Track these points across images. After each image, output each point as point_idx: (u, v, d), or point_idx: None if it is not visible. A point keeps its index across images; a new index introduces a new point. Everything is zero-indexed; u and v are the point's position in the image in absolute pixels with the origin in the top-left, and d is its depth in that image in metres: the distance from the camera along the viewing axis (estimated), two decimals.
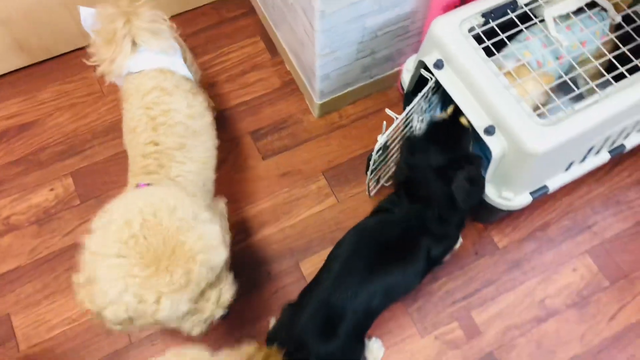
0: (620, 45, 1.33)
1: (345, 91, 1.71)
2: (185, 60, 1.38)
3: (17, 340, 1.45)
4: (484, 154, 1.56)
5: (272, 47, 1.89)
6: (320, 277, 1.27)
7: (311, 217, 1.64)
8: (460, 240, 1.56)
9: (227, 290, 1.09)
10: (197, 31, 1.92)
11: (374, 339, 1.48)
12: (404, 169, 1.33)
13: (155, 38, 1.27)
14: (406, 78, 1.52)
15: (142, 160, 1.18)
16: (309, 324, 1.20)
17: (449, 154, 1.29)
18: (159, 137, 1.20)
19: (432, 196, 1.28)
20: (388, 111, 1.28)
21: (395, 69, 1.73)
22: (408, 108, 1.34)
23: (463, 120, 1.35)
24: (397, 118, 1.30)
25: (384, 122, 1.30)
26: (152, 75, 1.26)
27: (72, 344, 1.46)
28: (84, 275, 0.96)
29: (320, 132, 1.76)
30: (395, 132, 1.40)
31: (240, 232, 1.61)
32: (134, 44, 1.26)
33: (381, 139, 1.31)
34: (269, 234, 1.61)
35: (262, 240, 1.61)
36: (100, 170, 1.68)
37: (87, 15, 1.30)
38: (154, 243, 0.94)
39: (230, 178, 1.69)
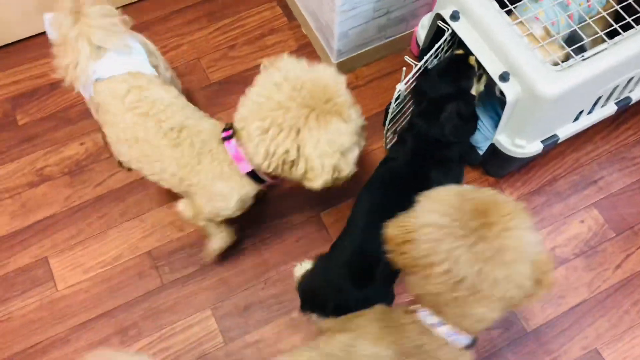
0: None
1: (361, 51, 1.79)
2: (157, 67, 1.39)
3: (55, 281, 1.54)
4: (496, 111, 1.64)
5: (288, 12, 1.96)
6: (348, 230, 1.33)
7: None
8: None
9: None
10: None
11: None
12: (419, 92, 1.43)
13: (109, 35, 1.25)
14: (422, 35, 1.60)
15: (179, 150, 1.22)
16: (344, 270, 1.26)
17: (449, 88, 1.38)
18: (168, 122, 1.23)
19: (431, 123, 1.37)
20: (407, 58, 1.35)
21: (409, 31, 1.81)
22: (426, 56, 1.42)
23: (471, 60, 1.43)
24: (415, 65, 1.37)
25: (404, 69, 1.38)
26: (124, 78, 1.25)
27: (107, 285, 1.54)
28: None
29: None
30: (411, 83, 1.47)
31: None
32: (93, 47, 1.24)
33: (400, 87, 1.38)
34: (290, 187, 1.69)
35: (284, 193, 1.68)
36: None
37: (47, 22, 1.29)
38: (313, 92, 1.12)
39: None
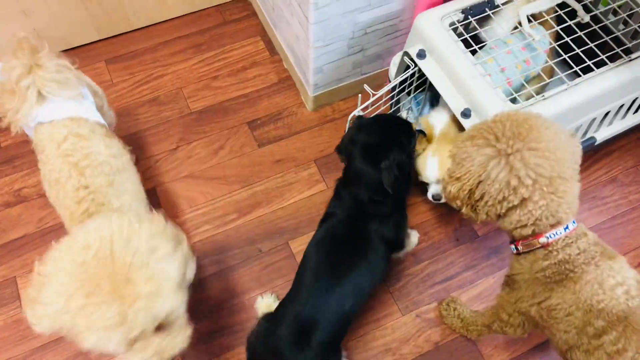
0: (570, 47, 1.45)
1: (338, 86, 1.84)
2: (101, 107, 1.41)
3: (20, 301, 1.54)
4: None
5: (271, 46, 2.03)
6: (293, 290, 1.32)
7: (302, 200, 1.75)
8: (417, 235, 1.67)
9: (174, 342, 1.02)
10: (202, 30, 2.06)
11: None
12: (346, 142, 1.39)
13: (61, 88, 1.26)
14: (393, 71, 1.64)
15: (79, 207, 1.16)
16: (284, 333, 1.24)
17: (387, 139, 1.35)
18: (87, 179, 1.18)
19: (362, 176, 1.33)
20: (366, 87, 1.39)
21: (385, 68, 1.86)
22: (383, 89, 1.46)
23: (414, 126, 1.44)
24: (373, 95, 1.41)
25: (359, 96, 1.42)
26: (65, 123, 1.25)
27: None
28: (34, 290, 0.96)
29: (314, 124, 1.88)
30: (375, 111, 1.51)
31: (234, 212, 1.71)
32: (40, 94, 1.25)
33: (355, 113, 1.42)
34: (261, 214, 1.71)
35: (254, 220, 1.70)
36: None
37: None
38: (102, 274, 0.92)
39: (227, 163, 1.80)
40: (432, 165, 1.50)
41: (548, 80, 1.45)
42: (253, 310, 1.55)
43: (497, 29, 1.54)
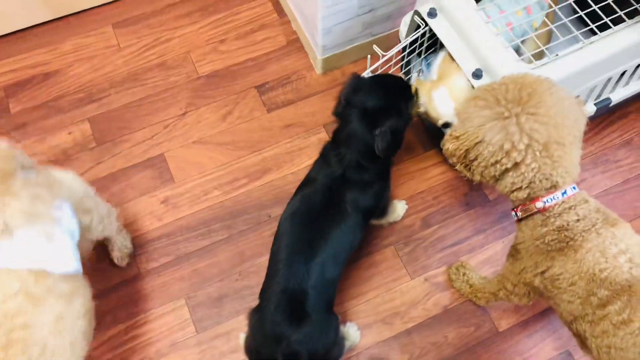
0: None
1: (347, 48, 1.80)
2: (89, 211, 1.27)
3: None
4: None
5: (279, 8, 1.98)
6: (271, 271, 1.31)
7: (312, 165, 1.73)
8: (405, 207, 1.64)
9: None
10: None
11: (349, 324, 1.51)
12: (341, 103, 1.34)
13: (30, 223, 1.06)
14: (403, 32, 1.60)
15: None
16: (277, 317, 1.22)
17: (385, 103, 1.30)
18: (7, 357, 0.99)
19: (354, 138, 1.30)
20: (375, 47, 1.36)
21: (396, 29, 1.81)
22: (393, 49, 1.42)
23: (414, 88, 1.39)
24: (382, 56, 1.38)
25: (368, 56, 1.38)
26: (18, 276, 1.04)
27: (84, 270, 1.57)
28: None
29: (323, 88, 1.85)
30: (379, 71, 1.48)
31: (244, 177, 1.71)
32: (5, 227, 1.04)
33: (365, 74, 1.39)
34: (271, 180, 1.71)
35: (264, 186, 1.70)
36: (115, 117, 1.79)
37: None
38: None
39: (236, 128, 1.79)
40: (440, 99, 1.45)
41: (550, 26, 1.38)
42: (261, 276, 1.56)
43: None
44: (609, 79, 1.45)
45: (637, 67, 1.48)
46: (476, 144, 1.02)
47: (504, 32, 1.36)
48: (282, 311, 1.22)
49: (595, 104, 1.52)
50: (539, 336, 1.52)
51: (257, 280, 1.56)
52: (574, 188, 1.06)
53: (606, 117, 1.80)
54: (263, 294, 1.30)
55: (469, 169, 1.08)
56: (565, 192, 1.04)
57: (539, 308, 1.54)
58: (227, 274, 1.58)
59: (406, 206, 1.66)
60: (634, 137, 1.78)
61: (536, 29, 1.48)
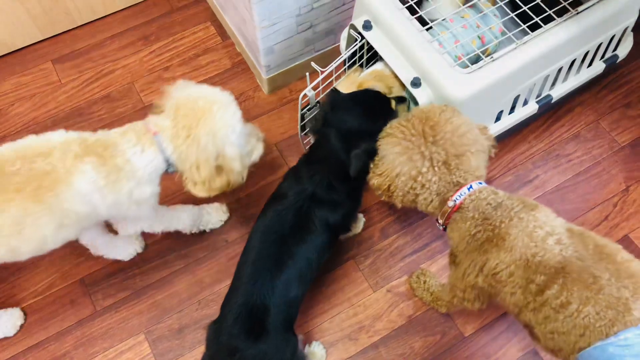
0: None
1: (292, 65, 1.80)
2: None
3: None
4: None
5: (222, 31, 1.98)
6: (235, 284, 1.29)
7: (266, 186, 1.72)
8: (363, 220, 1.64)
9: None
10: (149, 21, 2.00)
11: (314, 343, 1.49)
12: (319, 121, 1.32)
13: None
14: (342, 46, 1.61)
15: None
16: (234, 328, 1.20)
17: (362, 122, 1.29)
18: None
19: (329, 158, 1.29)
20: (313, 64, 1.36)
21: (338, 44, 1.82)
22: (331, 65, 1.42)
23: (393, 103, 1.36)
24: (321, 72, 1.38)
25: (307, 74, 1.38)
26: None
27: (38, 315, 1.52)
28: None
29: (272, 107, 1.84)
30: (326, 90, 1.48)
31: (195, 203, 1.68)
32: None
33: (307, 92, 1.39)
34: (225, 204, 1.68)
35: None
36: None
37: None
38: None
39: None
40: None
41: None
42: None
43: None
44: (547, 76, 1.47)
45: (573, 62, 1.51)
46: (395, 176, 1.14)
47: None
48: (240, 324, 1.21)
49: (537, 102, 1.54)
50: (505, 337, 1.52)
51: (217, 308, 1.49)
52: (479, 183, 1.13)
53: (552, 113, 1.83)
54: (224, 306, 1.28)
55: (392, 197, 1.19)
56: (470, 187, 1.12)
57: (502, 309, 1.54)
58: (187, 304, 1.55)
59: (364, 218, 1.66)
60: (581, 130, 1.81)
61: (489, 55, 1.50)
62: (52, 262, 1.59)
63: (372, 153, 1.23)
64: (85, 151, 1.18)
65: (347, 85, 1.46)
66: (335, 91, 1.38)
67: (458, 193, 1.12)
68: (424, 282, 1.51)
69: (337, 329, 1.52)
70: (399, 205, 1.19)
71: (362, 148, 1.23)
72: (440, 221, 1.18)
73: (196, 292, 1.56)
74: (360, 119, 1.29)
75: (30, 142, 1.19)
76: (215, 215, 1.63)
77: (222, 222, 1.65)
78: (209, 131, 1.23)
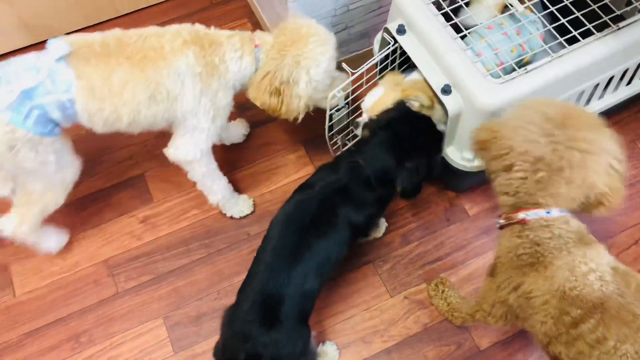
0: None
1: None
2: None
3: (13, 287, 1.57)
4: None
5: (259, 28, 2.00)
6: (252, 271, 1.31)
7: (290, 184, 1.74)
8: (385, 224, 1.63)
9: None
10: (189, 13, 2.04)
11: (328, 342, 1.49)
12: (383, 123, 1.36)
13: None
14: (376, 49, 1.61)
15: None
16: (249, 315, 1.22)
17: (423, 142, 1.36)
18: None
19: (377, 158, 1.33)
20: (344, 65, 1.37)
21: (372, 47, 1.82)
22: (362, 67, 1.43)
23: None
24: (351, 74, 1.38)
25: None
26: None
27: (63, 291, 1.57)
28: None
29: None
30: (356, 92, 1.50)
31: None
32: None
33: (335, 92, 1.40)
34: (249, 198, 1.71)
35: None
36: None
37: None
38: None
39: (214, 147, 1.79)
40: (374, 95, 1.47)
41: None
42: None
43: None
44: (582, 92, 1.44)
45: (611, 79, 1.48)
46: (517, 136, 1.03)
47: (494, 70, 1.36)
48: (255, 311, 1.22)
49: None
50: (521, 355, 1.49)
51: (234, 300, 1.55)
52: (561, 211, 1.06)
53: None
54: (241, 292, 1.30)
55: (482, 152, 1.13)
56: (549, 212, 1.05)
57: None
58: (206, 292, 1.58)
59: (386, 223, 1.65)
60: None
61: (528, 63, 1.48)
62: (79, 242, 1.64)
63: (420, 171, 1.32)
64: (193, 40, 1.32)
65: (391, 85, 1.45)
66: (403, 102, 1.40)
67: (535, 211, 1.05)
68: (442, 291, 1.50)
69: (351, 331, 1.53)
70: (483, 166, 1.13)
71: (416, 162, 1.31)
72: (501, 222, 1.13)
73: (215, 282, 1.59)
74: (421, 136, 1.36)
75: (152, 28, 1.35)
76: (240, 204, 1.67)
77: (242, 214, 1.67)
78: (295, 55, 1.34)
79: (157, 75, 1.29)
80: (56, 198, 1.43)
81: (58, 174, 1.39)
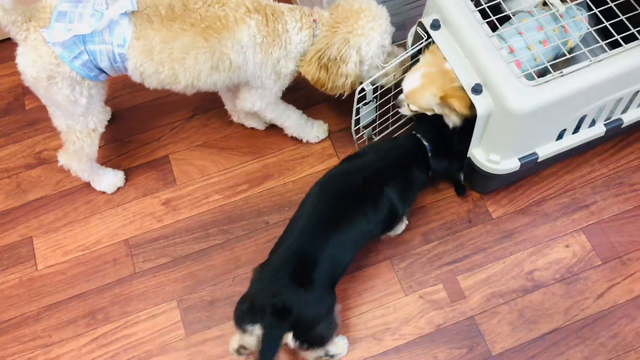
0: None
1: None
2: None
3: (36, 260, 1.61)
4: None
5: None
6: (288, 231, 1.32)
7: (313, 174, 1.73)
8: (406, 221, 1.61)
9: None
10: None
11: (340, 336, 1.49)
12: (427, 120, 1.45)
13: None
14: (409, 42, 1.58)
15: None
16: (281, 272, 1.24)
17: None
18: None
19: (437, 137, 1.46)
20: (375, 59, 1.34)
21: (406, 40, 1.78)
22: (392, 62, 1.40)
23: None
24: (381, 68, 1.36)
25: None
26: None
27: (83, 268, 1.60)
28: None
29: (332, 96, 1.84)
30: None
31: (245, 183, 1.72)
32: None
33: (364, 86, 1.39)
34: (271, 187, 1.71)
35: (264, 192, 1.70)
36: (125, 117, 1.82)
37: None
38: None
39: (241, 133, 1.80)
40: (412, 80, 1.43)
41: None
42: None
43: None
44: (620, 99, 1.39)
45: None
46: None
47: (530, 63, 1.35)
48: (288, 269, 1.24)
49: (605, 124, 1.46)
50: None
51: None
52: None
53: (623, 138, 1.72)
54: (273, 252, 1.32)
55: None
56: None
57: (537, 333, 1.48)
58: (221, 278, 1.58)
59: (407, 221, 1.63)
60: None
61: (571, 49, 1.43)
62: (102, 220, 1.66)
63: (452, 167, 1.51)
64: (256, 9, 1.35)
65: (430, 72, 1.40)
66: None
67: None
68: None
69: (363, 326, 1.52)
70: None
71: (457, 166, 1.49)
72: None
73: (231, 268, 1.59)
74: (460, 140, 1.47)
75: None
76: (316, 130, 1.74)
77: (318, 139, 1.76)
78: (345, 32, 1.36)
79: (222, 46, 1.32)
80: (82, 143, 1.49)
81: (83, 117, 1.43)
